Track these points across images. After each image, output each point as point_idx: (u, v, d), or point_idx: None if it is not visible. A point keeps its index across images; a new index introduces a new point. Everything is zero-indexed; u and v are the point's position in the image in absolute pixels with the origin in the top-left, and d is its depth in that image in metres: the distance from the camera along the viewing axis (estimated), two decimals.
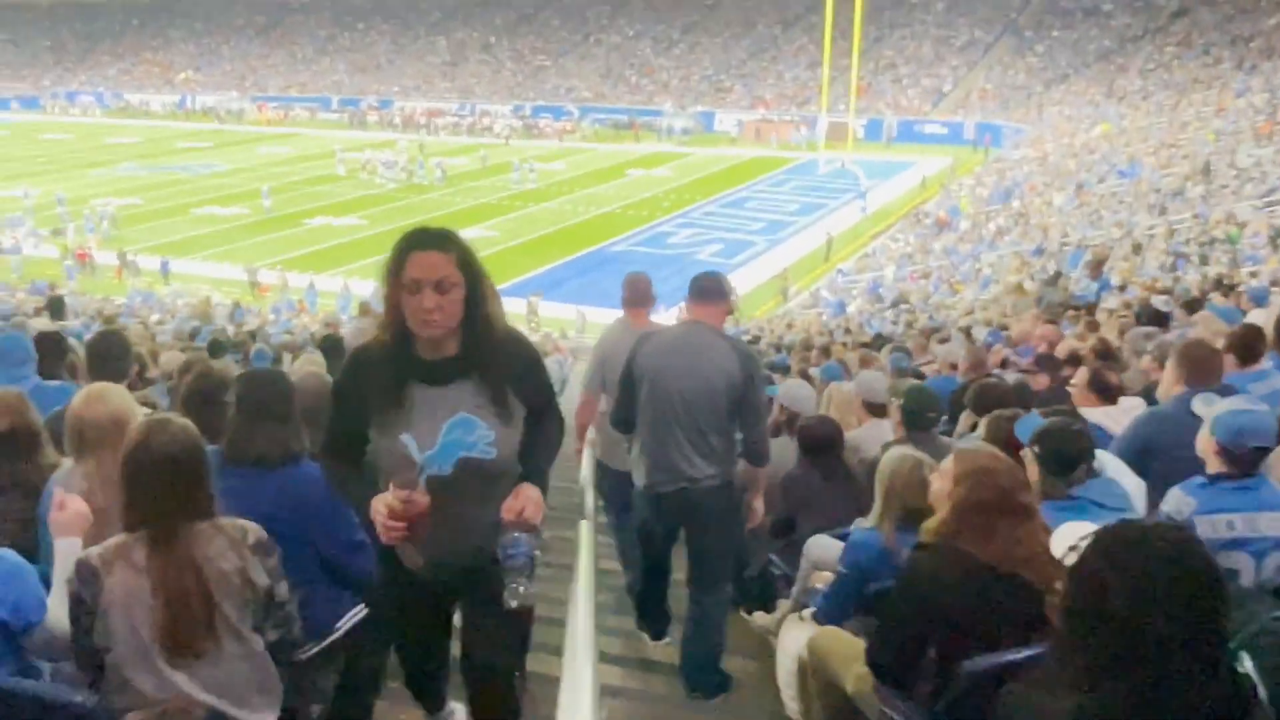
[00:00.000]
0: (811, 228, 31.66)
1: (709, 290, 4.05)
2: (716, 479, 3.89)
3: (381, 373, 2.43)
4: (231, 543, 2.32)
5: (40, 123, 61.98)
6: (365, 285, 25.20)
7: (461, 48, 68.04)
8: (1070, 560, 1.63)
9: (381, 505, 2.31)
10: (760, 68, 58.48)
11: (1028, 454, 2.96)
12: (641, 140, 50.65)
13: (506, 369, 2.47)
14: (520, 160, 40.94)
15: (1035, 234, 23.28)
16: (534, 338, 19.30)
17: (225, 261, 28.78)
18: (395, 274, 2.35)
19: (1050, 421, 3.05)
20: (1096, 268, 15.69)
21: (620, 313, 5.12)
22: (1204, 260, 15.63)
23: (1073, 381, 4.37)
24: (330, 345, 7.01)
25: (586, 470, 4.39)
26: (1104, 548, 1.58)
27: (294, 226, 33.08)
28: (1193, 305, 8.02)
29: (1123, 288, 12.16)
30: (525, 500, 2.37)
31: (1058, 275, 15.25)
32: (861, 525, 3.21)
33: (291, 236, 31.76)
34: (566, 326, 23.12)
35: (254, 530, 2.38)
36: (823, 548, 3.61)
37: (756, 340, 15.07)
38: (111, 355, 3.94)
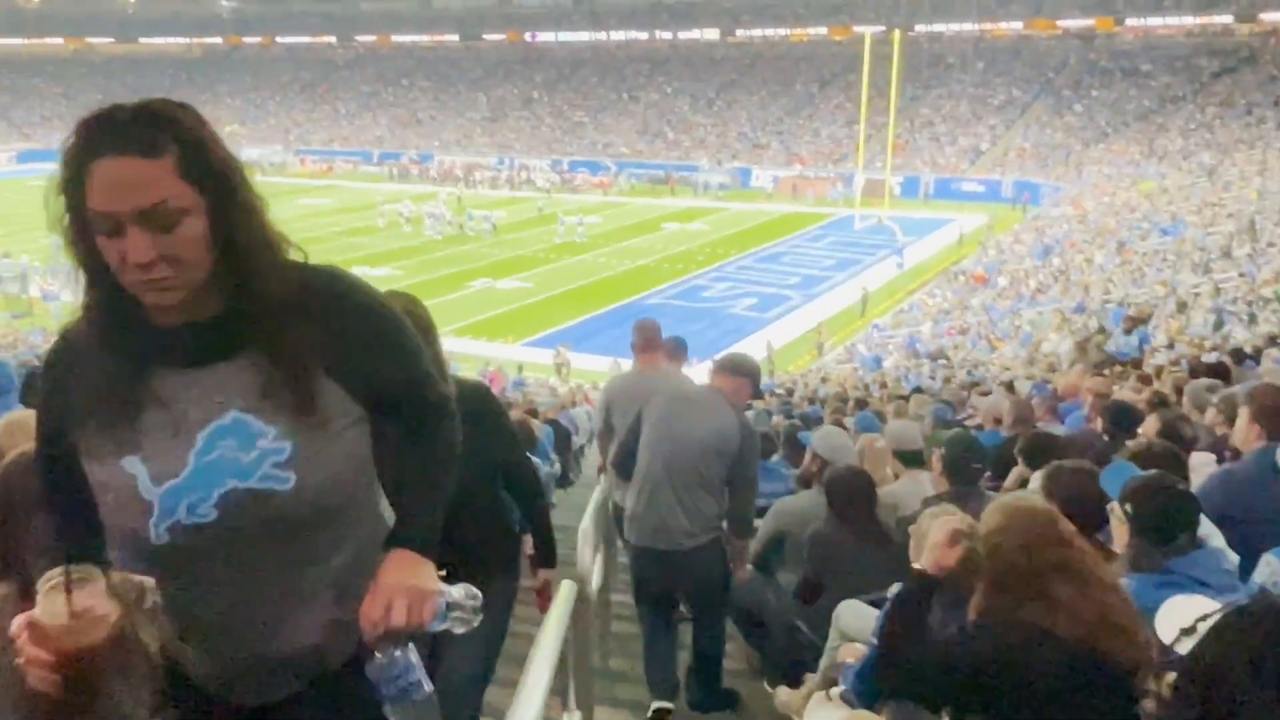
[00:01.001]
0: (847, 283, 31.41)
1: (734, 365, 4.19)
2: (699, 539, 3.91)
3: (93, 360, 1.47)
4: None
5: None
6: None
7: (501, 104, 69.07)
8: (1185, 646, 1.29)
9: (23, 623, 1.24)
10: (797, 125, 58.76)
11: (1116, 513, 2.53)
12: (677, 195, 50.86)
13: (314, 333, 1.49)
14: (565, 213, 41.01)
15: (1076, 291, 22.88)
16: (563, 389, 19.17)
17: None
18: (74, 202, 1.37)
19: (1149, 476, 2.57)
20: (1132, 323, 15.31)
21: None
22: (1252, 319, 15.18)
23: (1139, 433, 4.00)
24: None
25: (587, 520, 4.04)
26: (1237, 634, 1.26)
27: None
28: (1239, 355, 7.67)
29: (1170, 345, 11.79)
30: (388, 595, 1.43)
31: (1100, 331, 14.88)
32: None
33: None
34: (599, 378, 22.94)
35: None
36: (854, 615, 3.25)
37: (790, 394, 14.80)
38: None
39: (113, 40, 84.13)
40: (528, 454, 3.26)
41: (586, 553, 3.73)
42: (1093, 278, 23.79)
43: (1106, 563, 2.16)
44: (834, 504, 4.03)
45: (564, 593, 2.76)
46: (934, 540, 2.12)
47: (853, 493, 4.00)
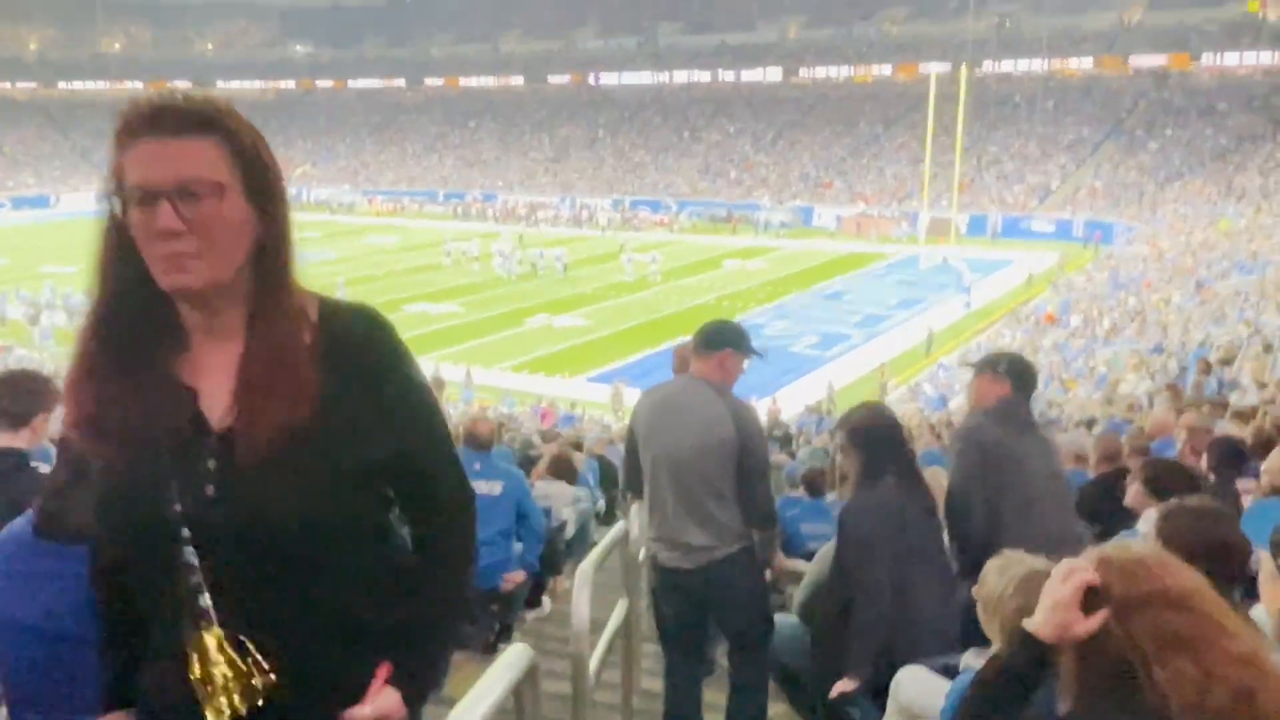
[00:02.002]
0: (911, 322, 30.72)
1: (705, 340, 3.64)
2: (720, 551, 3.44)
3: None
4: None
5: None
6: (457, 370, 25.28)
7: (565, 144, 69.73)
8: None
9: None
10: (861, 164, 58.31)
11: (1267, 566, 2.05)
12: (738, 233, 50.60)
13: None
14: (633, 250, 40.84)
15: (1153, 331, 22.01)
16: (617, 426, 18.84)
17: None
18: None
19: None
20: (1208, 365, 14.56)
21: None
22: None
23: (1265, 468, 3.48)
24: None
25: (588, 563, 3.39)
26: None
27: (393, 312, 33.30)
28: None
29: (1262, 385, 11.09)
30: None
31: (1183, 371, 14.16)
32: (974, 663, 2.30)
33: (391, 322, 32.10)
34: None
35: None
36: (918, 687, 2.74)
37: None
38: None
39: (191, 84, 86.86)
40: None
41: (583, 602, 3.05)
42: (1171, 318, 22.90)
43: (1250, 630, 1.61)
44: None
45: (508, 660, 2.04)
46: (1058, 597, 1.56)
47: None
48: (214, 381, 1.36)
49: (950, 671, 2.47)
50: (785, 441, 9.80)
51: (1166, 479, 3.37)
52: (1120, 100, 56.96)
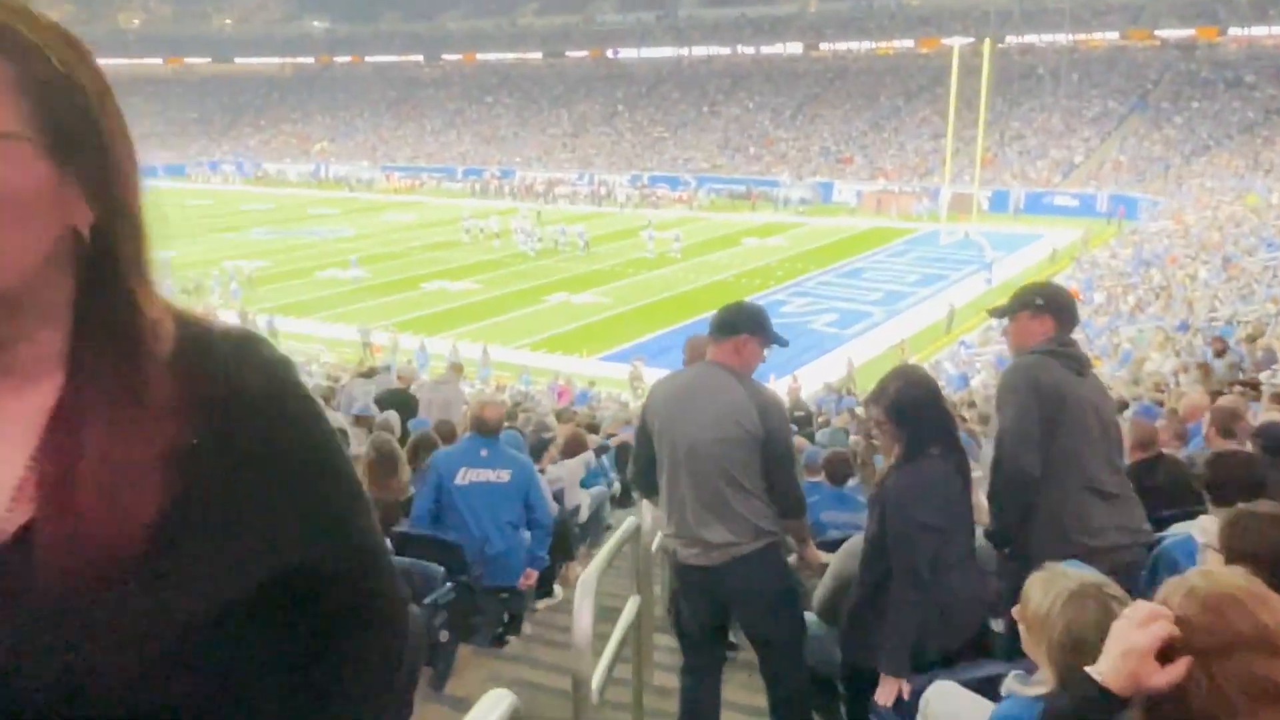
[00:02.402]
0: (932, 299, 30.40)
1: (721, 324, 3.42)
2: (743, 547, 3.22)
3: None
4: None
5: (184, 190, 65.35)
6: (474, 348, 25.21)
7: (583, 120, 69.34)
8: None
9: None
10: (881, 139, 57.70)
11: None
12: (758, 210, 50.22)
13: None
14: (655, 228, 40.58)
15: (1179, 308, 21.65)
16: (634, 404, 18.72)
17: (341, 323, 29.20)
18: None
19: None
20: (1223, 345, 14.28)
21: None
22: None
23: None
24: (399, 402, 6.52)
25: (591, 570, 3.12)
26: None
27: (411, 290, 33.51)
28: None
29: None
30: None
31: (1225, 349, 13.89)
32: (1017, 688, 1.98)
33: (408, 300, 32.14)
34: None
35: None
36: (951, 704, 2.49)
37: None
38: None
39: (209, 60, 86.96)
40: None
41: (585, 612, 2.75)
42: (1197, 294, 22.53)
43: None
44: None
45: (627, 524, 2.19)
46: (1132, 645, 1.31)
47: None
48: None
49: (984, 688, 2.31)
50: (804, 422, 9.64)
51: (1235, 472, 3.17)
52: (1146, 72, 56.07)
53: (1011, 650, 2.73)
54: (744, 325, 3.39)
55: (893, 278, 34.08)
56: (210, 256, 38.32)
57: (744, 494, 3.23)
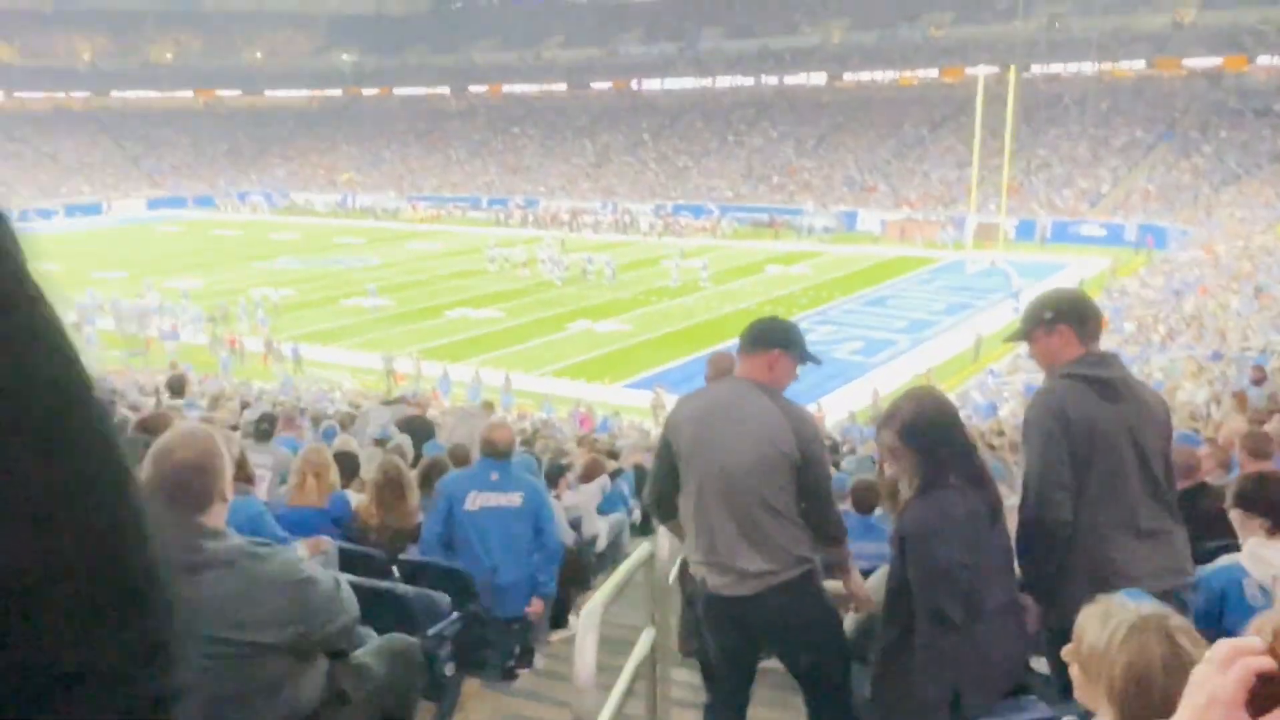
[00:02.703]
0: (958, 328, 30.13)
1: (754, 338, 3.24)
2: (781, 575, 2.99)
3: None
4: None
5: (213, 220, 66.12)
6: (497, 375, 25.16)
7: (606, 150, 69.65)
8: None
9: None
10: (905, 168, 57.56)
11: None
12: (781, 238, 50.13)
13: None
14: (680, 256, 40.50)
15: (1211, 338, 21.31)
16: (656, 432, 18.54)
17: (365, 350, 29.26)
18: None
19: None
20: (1261, 373, 14.04)
21: None
22: None
23: None
24: (415, 428, 6.41)
25: (596, 601, 2.79)
26: None
27: (434, 318, 33.59)
28: None
29: None
30: None
31: (1264, 378, 13.65)
32: None
33: (431, 327, 32.22)
34: None
35: None
36: None
37: None
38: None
39: (240, 92, 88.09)
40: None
41: (588, 649, 2.48)
42: (1229, 323, 22.17)
43: None
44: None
45: (641, 549, 2.32)
46: (1217, 692, 1.04)
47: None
48: None
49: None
50: (831, 450, 9.46)
51: (1259, 497, 2.99)
52: (1173, 101, 55.69)
53: (1056, 692, 2.56)
54: (777, 340, 3.22)
55: (918, 306, 33.82)
56: (238, 285, 38.64)
57: (781, 520, 3.03)
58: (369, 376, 26.88)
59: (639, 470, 9.14)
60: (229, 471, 2.23)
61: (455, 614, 3.70)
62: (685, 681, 4.02)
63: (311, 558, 3.90)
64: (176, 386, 11.39)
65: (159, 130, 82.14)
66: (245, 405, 11.83)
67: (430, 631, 3.48)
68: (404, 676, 2.72)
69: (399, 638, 2.89)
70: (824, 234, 50.35)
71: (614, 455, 9.31)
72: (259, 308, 33.34)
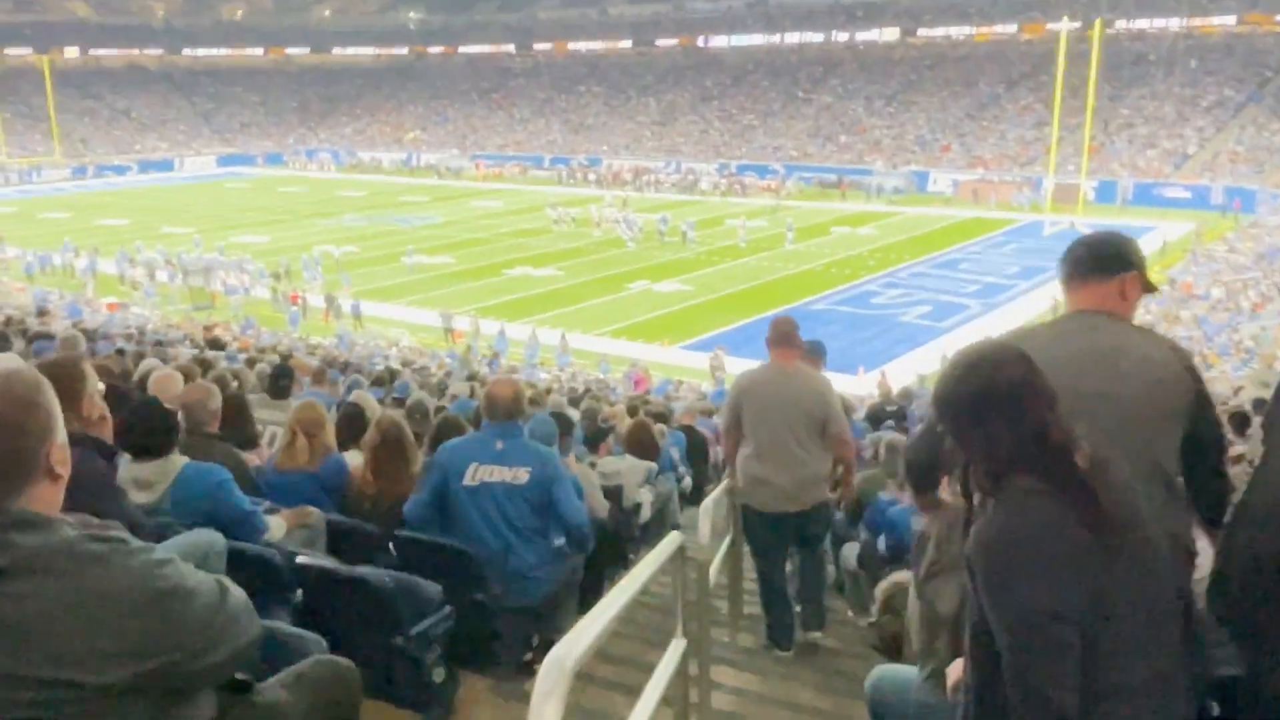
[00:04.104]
0: (1033, 292, 28.97)
1: (1103, 259, 2.53)
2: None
3: None
4: None
5: (282, 177, 66.68)
6: (553, 334, 24.83)
7: (671, 108, 68.61)
8: None
9: None
10: (980, 127, 55.72)
11: None
12: (849, 199, 48.90)
13: None
14: (745, 216, 39.63)
15: None
16: (719, 391, 18.07)
17: (425, 307, 29.12)
18: None
19: None
20: None
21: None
22: None
23: None
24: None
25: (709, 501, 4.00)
26: None
27: (494, 276, 33.34)
28: None
29: None
30: None
31: None
32: None
33: (491, 285, 31.98)
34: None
35: None
36: None
37: None
38: None
39: (308, 50, 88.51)
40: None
41: (705, 526, 3.59)
42: None
43: None
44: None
45: (667, 542, 2.62)
46: None
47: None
48: None
49: None
50: (900, 417, 8.84)
51: None
52: (1265, 59, 52.90)
53: None
54: (1132, 259, 2.53)
55: (991, 269, 32.66)
56: (303, 241, 38.82)
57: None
58: (428, 334, 26.73)
59: (690, 433, 8.64)
60: (59, 434, 1.59)
61: (447, 607, 3.06)
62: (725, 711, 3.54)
63: (292, 531, 3.48)
64: (215, 344, 11.20)
65: (229, 88, 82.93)
66: (285, 358, 11.60)
67: (414, 630, 2.92)
68: (332, 711, 2.05)
69: (327, 661, 2.20)
70: (894, 195, 49.02)
71: (663, 418, 8.84)
72: (318, 264, 33.41)
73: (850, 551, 5.09)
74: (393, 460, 4.04)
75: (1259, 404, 7.36)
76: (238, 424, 4.48)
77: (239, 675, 1.82)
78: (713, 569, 3.63)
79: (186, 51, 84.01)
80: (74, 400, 2.38)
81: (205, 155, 73.01)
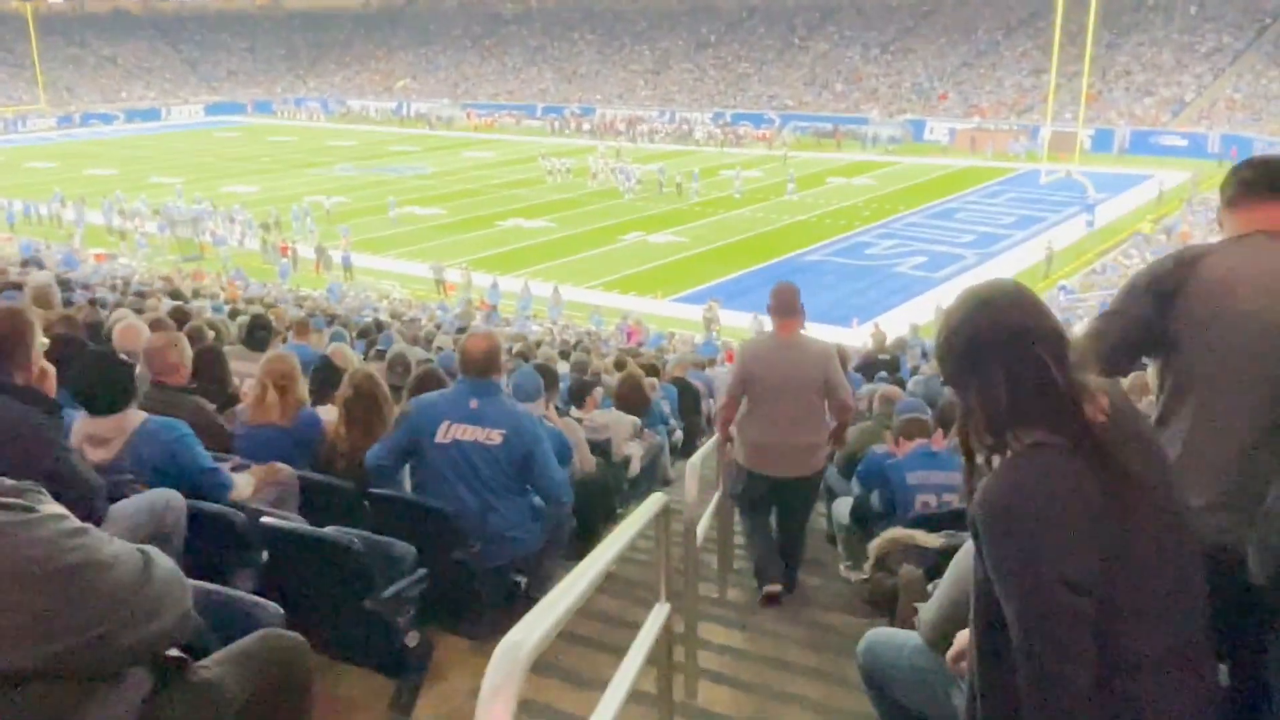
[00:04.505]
0: (1029, 242, 28.79)
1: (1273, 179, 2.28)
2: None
3: None
4: None
5: (270, 126, 65.84)
6: (545, 286, 24.62)
7: (665, 56, 67.66)
8: None
9: None
10: (977, 74, 55.04)
11: None
12: (844, 149, 48.42)
13: None
14: (741, 166, 39.26)
15: None
16: (709, 344, 17.96)
17: (417, 260, 28.87)
18: None
19: None
20: None
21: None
22: None
23: None
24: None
25: (696, 457, 3.84)
26: None
27: (487, 228, 33.02)
28: None
29: None
30: None
31: None
32: None
33: (483, 237, 31.68)
34: (744, 335, 21.55)
35: None
36: None
37: None
38: None
39: None
40: None
41: (692, 483, 3.43)
42: None
43: None
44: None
45: (650, 503, 2.52)
46: None
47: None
48: None
49: None
50: (893, 367, 8.67)
51: None
52: (1264, 5, 52.11)
53: None
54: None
55: (987, 219, 32.43)
56: (294, 192, 38.40)
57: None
58: (420, 286, 26.52)
59: (682, 385, 8.50)
60: None
61: (421, 569, 2.93)
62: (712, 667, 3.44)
63: (261, 489, 3.33)
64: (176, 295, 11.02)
65: (216, 35, 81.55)
66: (269, 308, 11.41)
67: (386, 593, 2.76)
68: (280, 692, 1.90)
69: (275, 636, 2.02)
70: (890, 144, 48.55)
71: (655, 371, 8.70)
72: (307, 215, 33.04)
73: (843, 506, 4.96)
74: (367, 415, 3.84)
75: None
76: (213, 376, 4.31)
77: (173, 652, 1.68)
78: (700, 526, 3.52)
79: None
80: (12, 355, 2.25)
81: (193, 104, 71.97)
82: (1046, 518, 1.61)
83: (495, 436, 3.71)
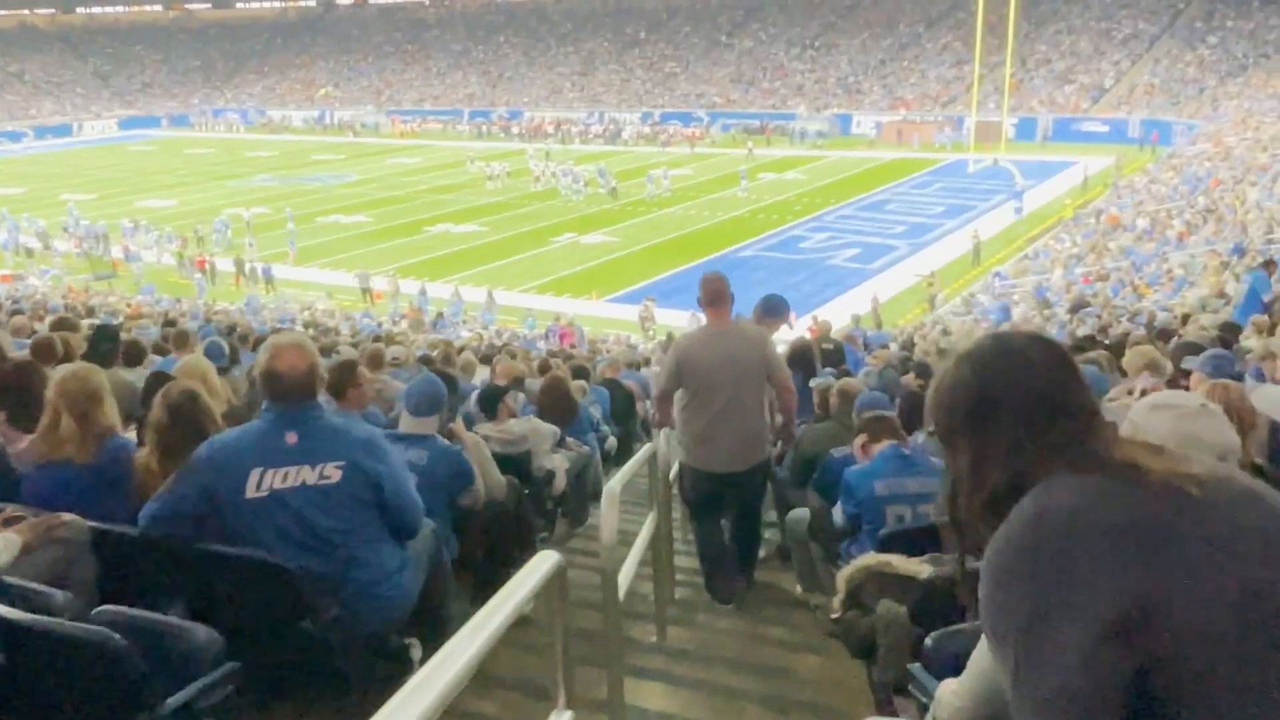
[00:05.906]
0: (959, 231, 28.80)
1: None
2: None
3: None
4: None
5: (187, 139, 63.88)
6: (478, 292, 23.92)
7: (592, 57, 67.13)
8: None
9: None
10: (901, 68, 55.42)
11: None
12: (773, 144, 48.29)
13: None
14: (667, 166, 38.68)
15: (1231, 231, 20.07)
16: (645, 346, 17.48)
17: (342, 269, 27.93)
18: None
19: None
20: (1273, 265, 12.95)
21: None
22: None
23: None
24: None
25: (615, 482, 3.41)
26: None
27: (415, 234, 32.13)
28: None
29: None
30: None
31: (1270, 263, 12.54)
32: None
33: (411, 244, 30.81)
34: (678, 334, 21.07)
35: None
36: None
37: (910, 347, 12.79)
38: None
39: (209, 5, 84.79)
40: None
41: (609, 522, 2.76)
42: (1249, 216, 20.92)
43: None
44: None
45: (534, 565, 1.93)
46: None
47: None
48: None
49: None
50: (838, 358, 8.24)
51: None
52: None
53: None
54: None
55: (917, 209, 32.43)
56: (213, 205, 37.07)
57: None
58: (345, 296, 25.63)
59: (614, 387, 7.90)
60: None
61: (227, 665, 2.16)
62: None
63: (34, 548, 2.56)
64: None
65: (128, 47, 79.05)
66: (170, 323, 10.57)
67: (170, 702, 1.96)
68: None
69: None
70: (817, 139, 48.57)
71: (584, 374, 8.12)
72: (228, 228, 31.85)
73: (799, 519, 4.36)
74: (187, 443, 2.92)
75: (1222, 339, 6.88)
76: (21, 400, 3.46)
77: None
78: (624, 574, 2.93)
79: (81, 10, 79.84)
80: None
81: (106, 118, 69.58)
82: (1065, 543, 1.14)
83: (332, 473, 2.83)
